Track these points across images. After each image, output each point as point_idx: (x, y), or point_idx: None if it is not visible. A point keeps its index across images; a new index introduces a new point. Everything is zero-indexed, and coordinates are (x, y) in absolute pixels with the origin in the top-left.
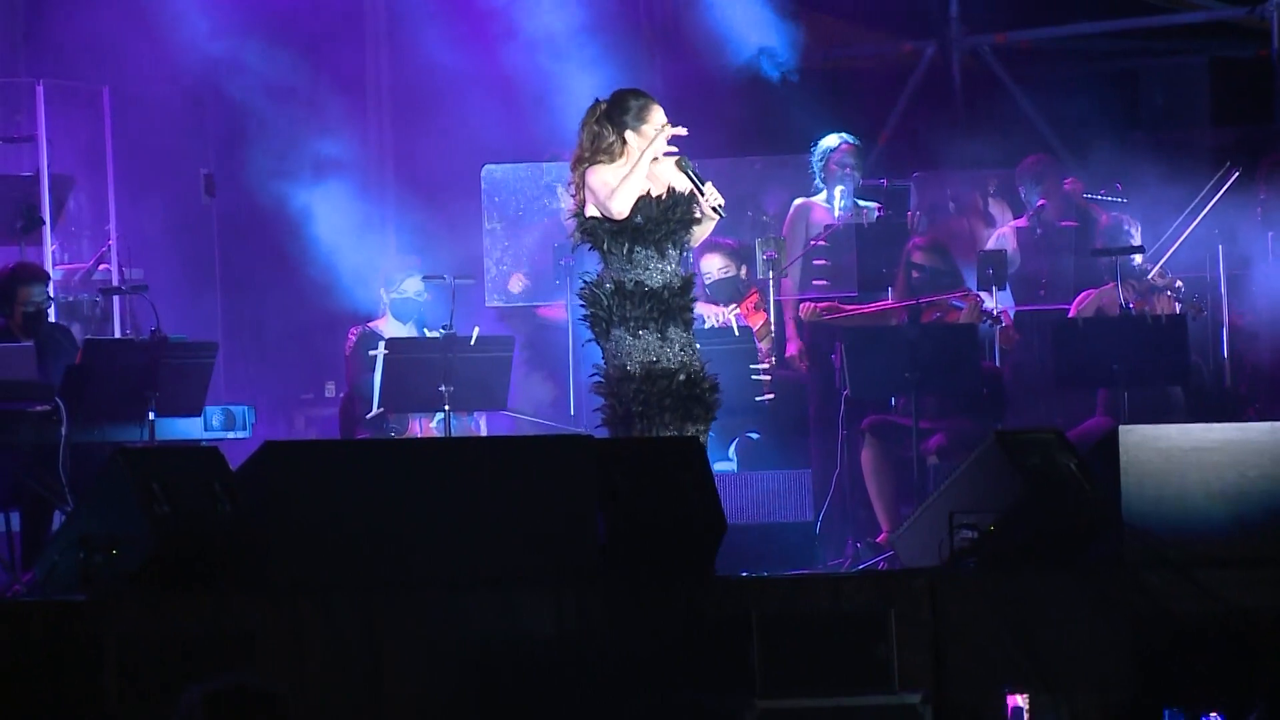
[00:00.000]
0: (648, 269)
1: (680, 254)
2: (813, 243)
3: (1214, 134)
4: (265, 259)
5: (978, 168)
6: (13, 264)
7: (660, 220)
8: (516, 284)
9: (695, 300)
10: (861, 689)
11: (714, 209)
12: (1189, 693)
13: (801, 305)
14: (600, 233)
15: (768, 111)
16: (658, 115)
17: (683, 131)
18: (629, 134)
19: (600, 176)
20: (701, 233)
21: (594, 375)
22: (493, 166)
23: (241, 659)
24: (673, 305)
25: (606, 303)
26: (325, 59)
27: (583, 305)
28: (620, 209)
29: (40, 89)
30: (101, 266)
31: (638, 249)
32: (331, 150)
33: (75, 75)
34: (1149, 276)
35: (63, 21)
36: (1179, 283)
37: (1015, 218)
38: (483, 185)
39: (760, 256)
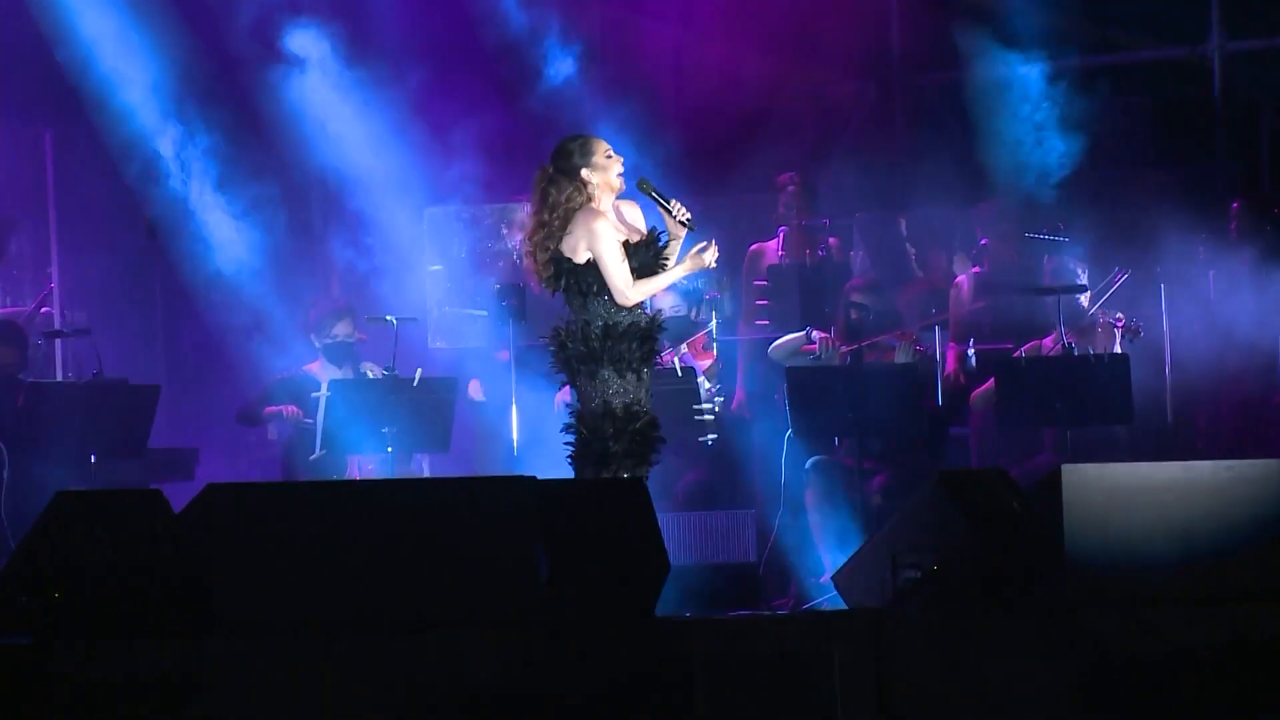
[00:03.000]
0: (637, 311)
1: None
2: (755, 283)
3: (1157, 173)
4: (207, 303)
5: (921, 205)
6: None
7: (654, 263)
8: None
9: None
10: None
11: (683, 222)
12: None
13: (818, 335)
14: (589, 277)
15: (711, 151)
16: (600, 145)
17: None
18: (584, 173)
19: (606, 243)
20: (674, 256)
21: (569, 413)
22: (434, 209)
23: (184, 702)
24: (654, 346)
25: (596, 344)
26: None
27: (560, 346)
28: (631, 300)
29: None
30: (43, 310)
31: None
32: (269, 191)
33: (17, 118)
34: (1094, 315)
35: (4, 65)
36: (1119, 314)
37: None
38: (425, 225)
39: (704, 297)
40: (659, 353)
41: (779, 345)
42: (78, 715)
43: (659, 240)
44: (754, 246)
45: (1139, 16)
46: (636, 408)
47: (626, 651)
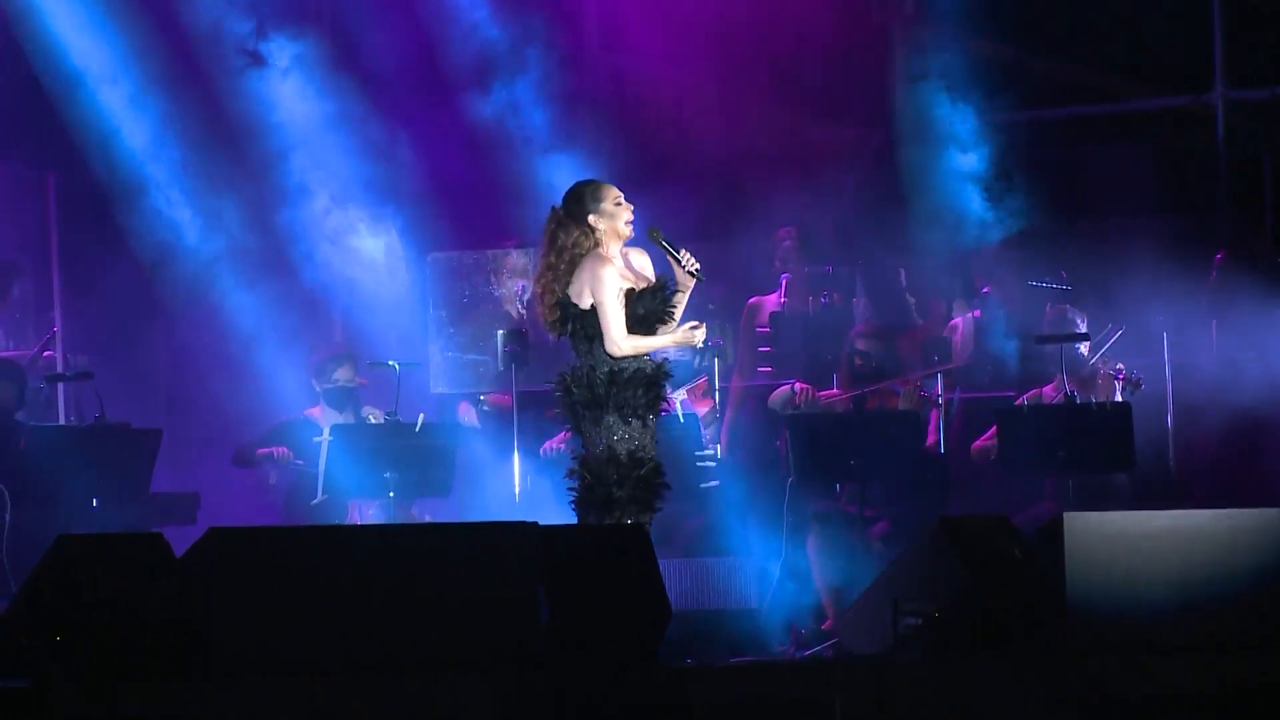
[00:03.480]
0: (643, 358)
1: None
2: (758, 331)
3: (1160, 222)
4: (209, 348)
5: (923, 254)
6: None
7: (661, 310)
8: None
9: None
10: None
11: (691, 273)
12: None
13: (798, 386)
14: (594, 323)
15: (716, 197)
16: (611, 191)
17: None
18: (592, 218)
19: (607, 288)
20: (682, 304)
21: (573, 457)
22: (438, 254)
23: None
24: (660, 392)
25: (602, 390)
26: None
27: (565, 391)
28: (620, 351)
29: None
30: (46, 353)
31: (636, 331)
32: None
33: (21, 161)
34: (1094, 365)
35: (7, 109)
36: (1120, 365)
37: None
38: (429, 270)
39: (706, 344)
40: (664, 399)
41: (774, 397)
42: None
43: (667, 289)
44: (752, 300)
45: (1143, 65)
46: (641, 454)
47: (627, 698)
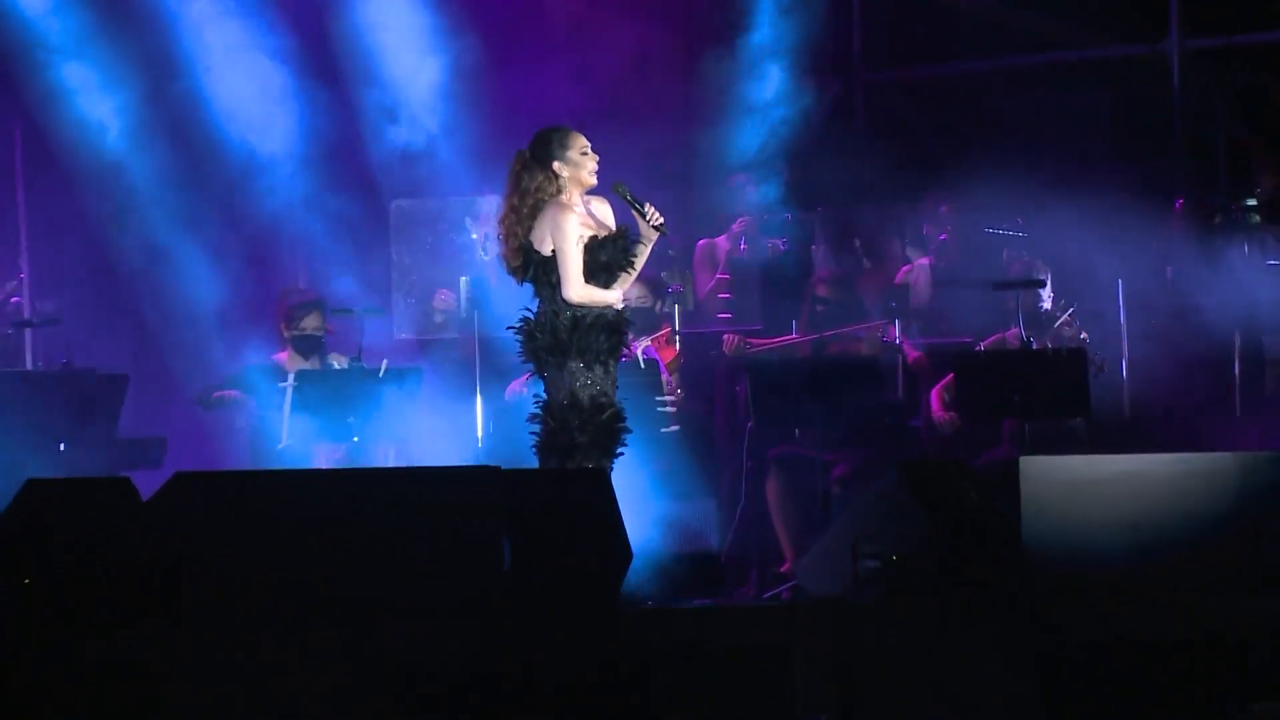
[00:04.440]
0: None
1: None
2: (717, 277)
3: (1115, 168)
4: (174, 294)
5: (882, 201)
6: None
7: (622, 259)
8: (441, 302)
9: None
10: (767, 715)
11: (656, 227)
12: (1088, 716)
13: (725, 337)
14: (556, 269)
15: (673, 143)
16: (578, 140)
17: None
18: (556, 164)
19: (567, 235)
20: (643, 257)
21: (535, 403)
22: (402, 201)
23: (151, 688)
24: (621, 338)
25: (565, 335)
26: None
27: (528, 336)
28: (573, 298)
29: None
30: (13, 300)
31: (596, 280)
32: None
33: None
34: (1057, 325)
35: None
36: (1084, 334)
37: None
38: (391, 220)
39: (666, 290)
40: (626, 345)
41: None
42: (45, 701)
43: (628, 238)
44: (702, 242)
45: (1100, 15)
46: (603, 399)
47: (588, 640)
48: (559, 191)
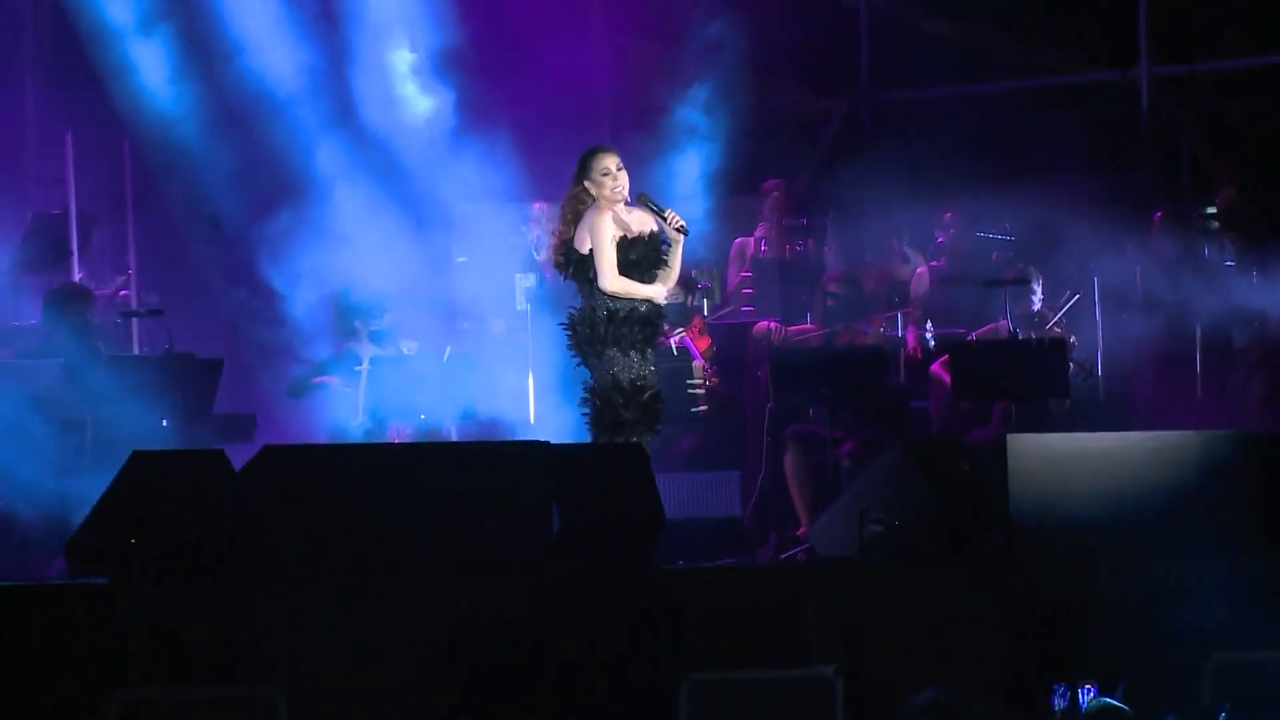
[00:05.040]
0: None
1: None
2: (741, 274)
3: (1090, 183)
4: (266, 289)
5: (886, 207)
6: (60, 283)
7: (654, 258)
8: (498, 325)
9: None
10: (782, 663)
11: (678, 229)
12: (1070, 668)
13: (772, 327)
14: (593, 267)
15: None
16: (602, 161)
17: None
18: (586, 182)
19: (600, 234)
20: (676, 255)
21: (584, 388)
22: (465, 207)
23: (238, 638)
24: (655, 329)
25: (602, 328)
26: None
27: (572, 329)
28: (608, 288)
29: (69, 139)
30: (121, 293)
31: (630, 277)
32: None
33: (101, 128)
34: (1048, 326)
35: (88, 78)
36: (1073, 338)
37: (927, 258)
38: (455, 222)
39: (696, 285)
40: (661, 335)
41: (756, 330)
42: (145, 646)
43: (658, 238)
44: (738, 240)
45: (1077, 44)
46: (641, 382)
47: (626, 595)
48: (594, 201)
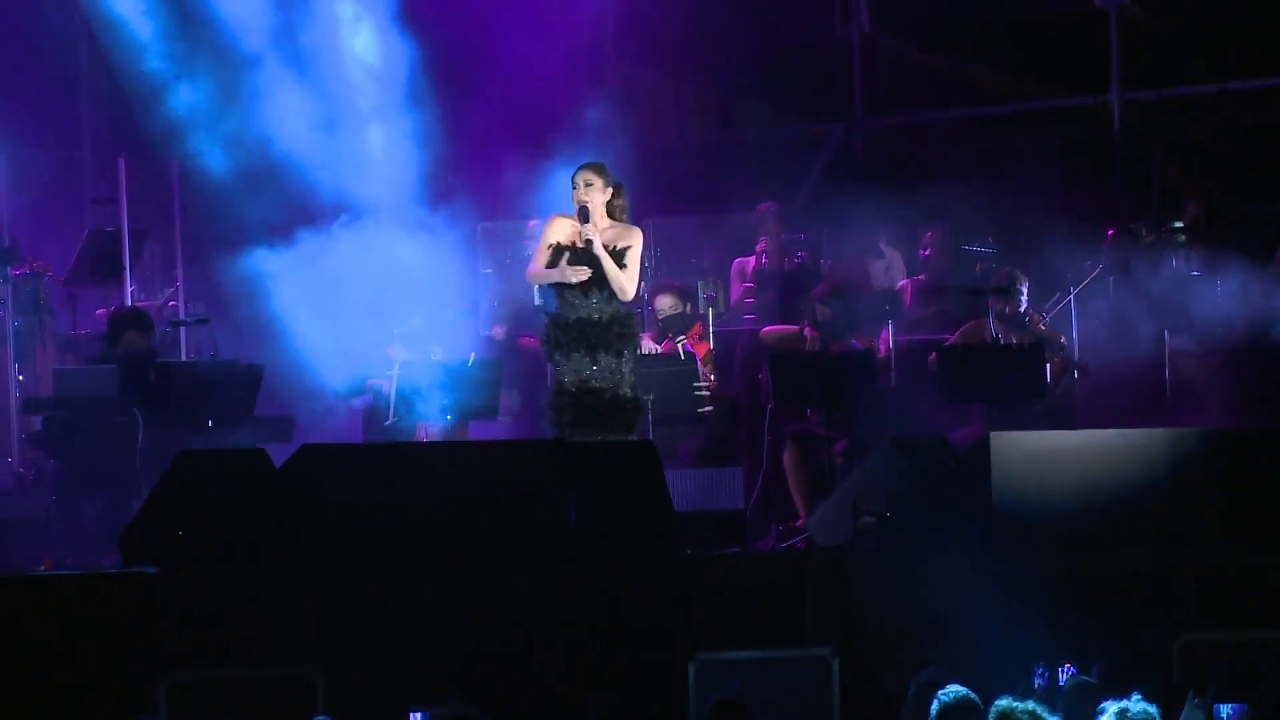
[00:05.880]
0: (574, 305)
1: (607, 296)
2: (744, 286)
3: (1065, 200)
4: (303, 301)
5: (878, 224)
6: (128, 308)
7: (583, 259)
8: (499, 333)
9: (629, 335)
10: (782, 644)
11: (586, 241)
12: (1049, 649)
13: (807, 333)
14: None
15: (706, 178)
16: (574, 175)
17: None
18: (573, 193)
19: (541, 235)
20: (605, 264)
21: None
22: (486, 223)
23: (279, 624)
24: (600, 336)
25: (549, 332)
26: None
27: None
28: (529, 278)
29: (122, 162)
30: (170, 303)
31: (565, 290)
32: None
33: (151, 150)
34: (1039, 326)
35: (140, 105)
36: (1063, 339)
37: (906, 263)
38: (478, 238)
39: (701, 295)
40: (618, 341)
41: (772, 331)
42: (192, 631)
43: (589, 259)
44: (737, 260)
45: (1052, 71)
46: (592, 386)
47: (639, 582)
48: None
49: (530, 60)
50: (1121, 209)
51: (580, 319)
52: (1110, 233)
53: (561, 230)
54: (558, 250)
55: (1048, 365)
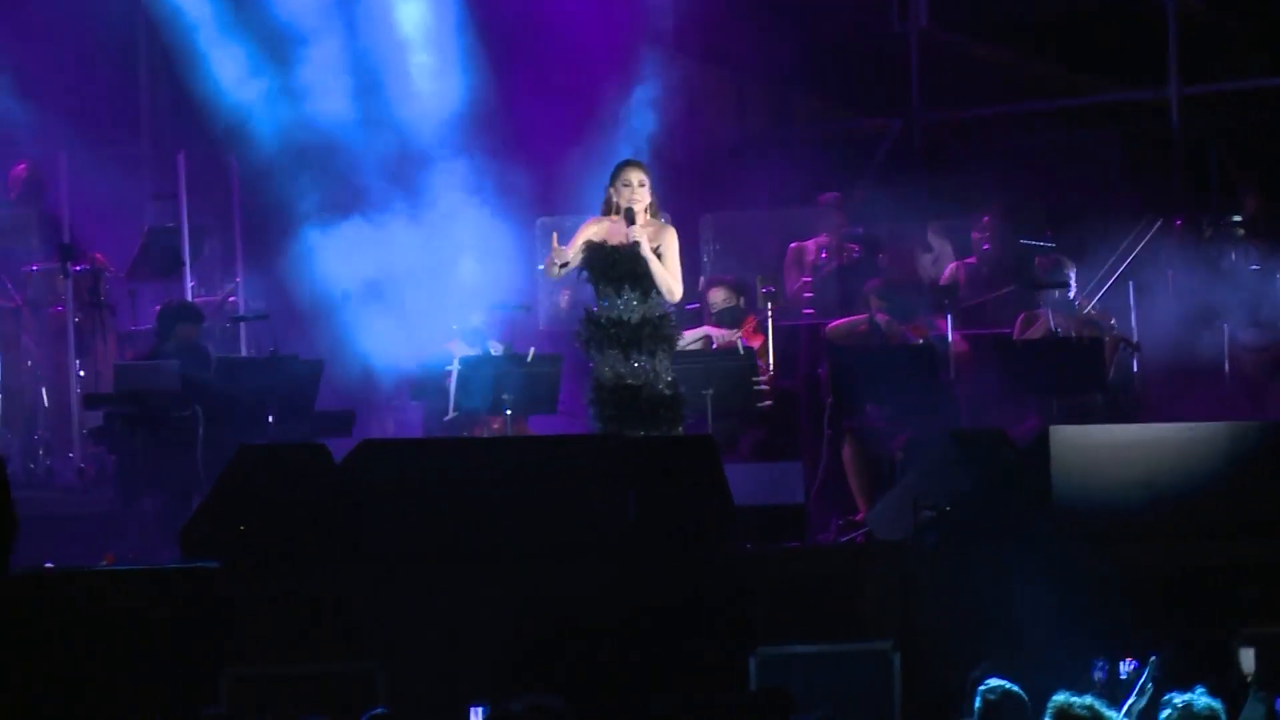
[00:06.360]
0: (607, 303)
1: (643, 295)
2: (801, 279)
3: (1125, 195)
4: (362, 296)
5: (935, 219)
6: (177, 301)
7: (607, 267)
8: (564, 300)
9: (663, 335)
10: (842, 638)
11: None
12: (1109, 643)
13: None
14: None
15: (763, 172)
16: (620, 175)
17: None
18: (611, 191)
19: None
20: (652, 266)
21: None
22: (545, 218)
23: (339, 617)
24: (633, 336)
25: (585, 329)
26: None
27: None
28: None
29: (181, 157)
30: (230, 299)
31: (600, 287)
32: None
33: (211, 148)
34: (1087, 311)
35: (200, 100)
36: (1114, 321)
37: (956, 252)
38: (537, 233)
39: (760, 290)
40: (654, 340)
41: (837, 326)
42: (254, 625)
43: (621, 257)
44: (793, 245)
45: (1111, 65)
46: (628, 383)
47: (700, 575)
48: (611, 211)
49: (588, 54)
50: (1180, 203)
51: (612, 319)
52: (1179, 223)
53: (598, 230)
54: (590, 248)
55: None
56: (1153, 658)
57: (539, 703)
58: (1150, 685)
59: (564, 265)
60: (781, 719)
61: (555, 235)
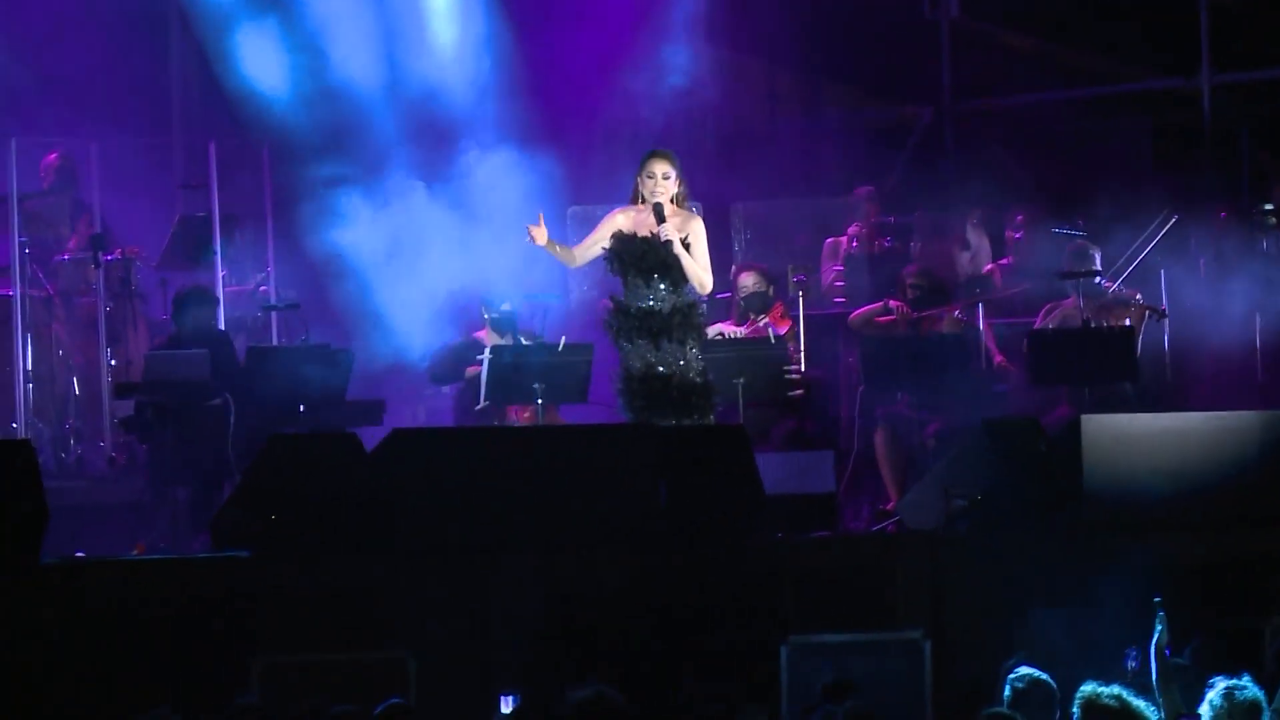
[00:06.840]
0: (637, 293)
1: (674, 285)
2: (834, 269)
3: (1156, 183)
4: (393, 283)
5: (967, 207)
6: (190, 285)
7: (637, 258)
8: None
9: (692, 324)
10: (873, 627)
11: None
12: (1140, 633)
13: (893, 305)
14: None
15: (795, 162)
16: (645, 166)
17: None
18: (638, 180)
19: (600, 223)
20: (683, 260)
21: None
22: (576, 207)
23: (370, 606)
24: (663, 325)
25: (614, 319)
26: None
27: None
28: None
29: (212, 146)
30: (261, 288)
31: (629, 277)
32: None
33: (242, 135)
34: (1110, 293)
35: (233, 89)
36: (1138, 295)
37: (993, 249)
38: (568, 223)
39: (792, 279)
40: (683, 330)
41: (858, 315)
42: (285, 614)
43: (649, 249)
44: (829, 240)
45: (1142, 54)
46: (658, 372)
47: (731, 564)
48: (638, 200)
49: (621, 45)
50: (1212, 192)
51: (642, 309)
52: (1223, 215)
53: (624, 221)
54: (619, 239)
55: (1128, 320)
56: (1159, 625)
57: (601, 694)
58: (1166, 648)
59: (559, 246)
60: None
61: (540, 214)
